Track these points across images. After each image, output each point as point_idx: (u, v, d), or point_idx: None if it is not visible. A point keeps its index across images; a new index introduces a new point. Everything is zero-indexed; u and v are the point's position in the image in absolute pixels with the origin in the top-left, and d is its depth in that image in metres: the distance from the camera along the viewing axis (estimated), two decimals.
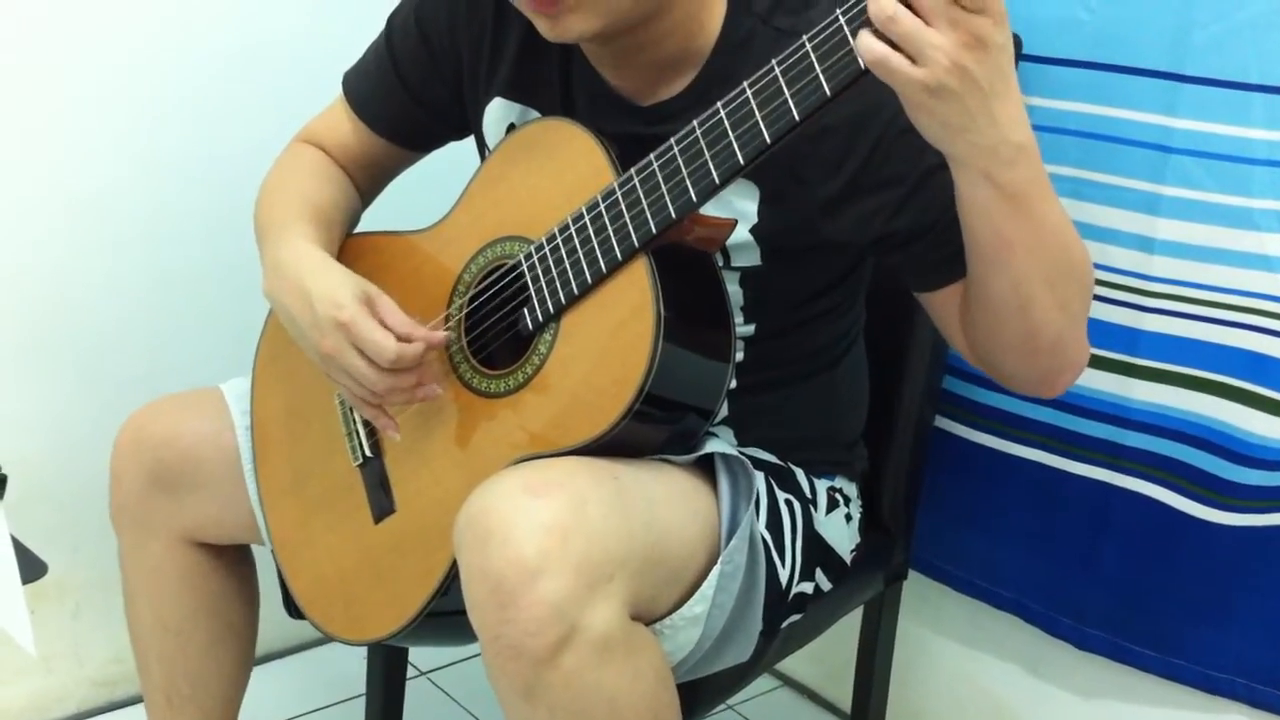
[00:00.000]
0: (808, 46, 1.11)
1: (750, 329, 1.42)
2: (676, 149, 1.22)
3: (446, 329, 1.38)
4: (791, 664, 2.14)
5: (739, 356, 1.35)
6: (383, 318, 1.33)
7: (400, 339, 1.32)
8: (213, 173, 1.97)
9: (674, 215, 1.23)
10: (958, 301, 1.29)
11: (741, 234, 1.35)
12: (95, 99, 1.89)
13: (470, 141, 1.56)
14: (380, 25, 1.55)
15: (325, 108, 1.60)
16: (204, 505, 1.56)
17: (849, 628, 1.75)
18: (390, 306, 1.34)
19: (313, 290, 1.36)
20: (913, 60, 1.04)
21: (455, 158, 1.60)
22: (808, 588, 1.45)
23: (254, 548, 1.64)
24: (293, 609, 1.52)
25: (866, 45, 1.06)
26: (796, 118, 1.13)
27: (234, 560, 1.63)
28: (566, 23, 1.27)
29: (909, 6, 1.04)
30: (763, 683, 2.17)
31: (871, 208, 1.29)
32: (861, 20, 1.06)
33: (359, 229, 1.58)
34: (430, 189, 1.52)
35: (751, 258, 1.37)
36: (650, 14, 1.29)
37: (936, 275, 1.30)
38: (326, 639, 1.46)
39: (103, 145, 1.90)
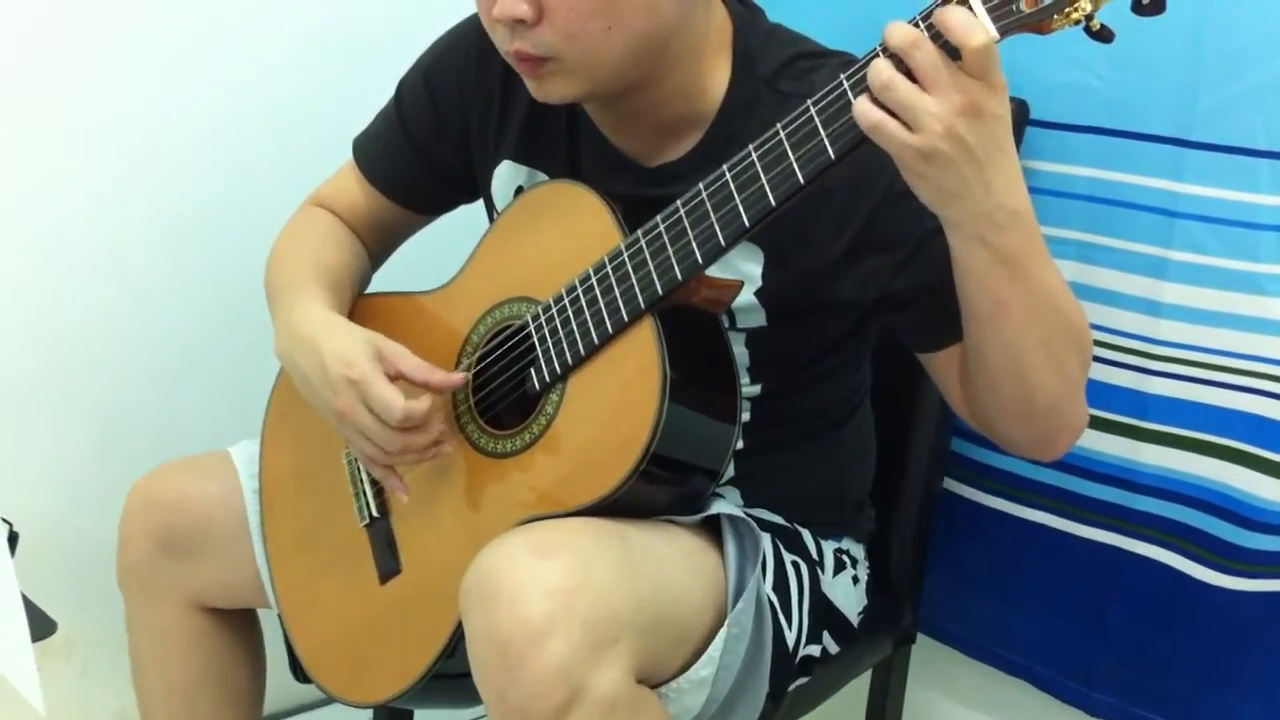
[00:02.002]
0: (812, 110, 1.13)
1: (756, 389, 1.42)
2: (682, 211, 1.23)
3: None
4: None
5: (744, 416, 1.35)
6: (397, 367, 1.33)
7: (417, 384, 1.33)
8: (225, 235, 1.98)
9: (680, 277, 1.23)
10: (957, 363, 1.30)
11: (746, 296, 1.35)
12: (119, 157, 1.91)
13: (479, 203, 1.57)
14: (389, 88, 1.57)
15: (335, 171, 1.62)
16: (212, 569, 1.56)
17: (857, 691, 1.74)
18: (403, 354, 1.34)
19: (325, 349, 1.36)
20: (909, 126, 1.06)
21: (464, 219, 1.60)
22: (815, 650, 1.44)
23: (260, 613, 1.64)
24: (299, 673, 1.52)
25: (862, 111, 1.07)
26: (801, 181, 1.14)
27: (240, 626, 1.62)
28: (549, 85, 1.29)
29: (910, 69, 1.05)
30: None
31: (871, 269, 1.30)
32: (865, 85, 1.07)
33: (369, 289, 1.59)
34: (439, 250, 1.53)
35: (756, 319, 1.37)
36: (645, 80, 1.31)
37: (935, 337, 1.31)
38: (331, 700, 1.45)
39: (116, 208, 1.92)
